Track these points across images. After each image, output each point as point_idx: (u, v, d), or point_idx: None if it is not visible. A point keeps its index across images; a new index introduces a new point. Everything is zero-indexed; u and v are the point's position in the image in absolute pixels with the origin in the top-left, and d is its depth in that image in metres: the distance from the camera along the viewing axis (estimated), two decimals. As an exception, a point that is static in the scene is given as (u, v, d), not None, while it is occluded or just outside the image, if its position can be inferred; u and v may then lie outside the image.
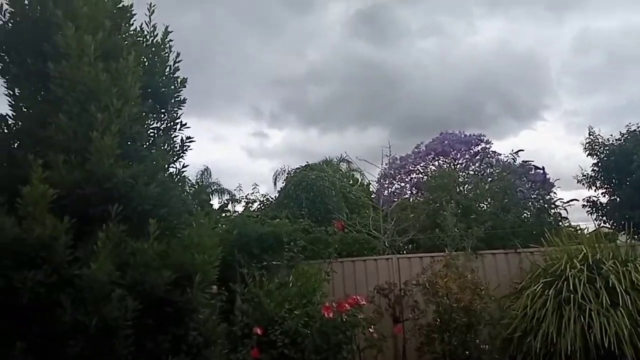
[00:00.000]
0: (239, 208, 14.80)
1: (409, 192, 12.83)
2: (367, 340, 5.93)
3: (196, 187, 18.08)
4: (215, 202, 17.03)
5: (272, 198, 13.95)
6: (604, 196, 13.05)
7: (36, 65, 4.08)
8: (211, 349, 3.75)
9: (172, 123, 5.01)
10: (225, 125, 27.44)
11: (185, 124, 5.01)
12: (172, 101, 5.05)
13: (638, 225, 10.16)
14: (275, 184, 16.92)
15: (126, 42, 4.59)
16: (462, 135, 12.71)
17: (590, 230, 8.66)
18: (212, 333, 3.80)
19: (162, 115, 5.06)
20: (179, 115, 5.04)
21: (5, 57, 4.27)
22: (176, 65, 5.02)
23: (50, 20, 4.03)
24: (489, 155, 12.02)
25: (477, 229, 7.88)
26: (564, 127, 25.14)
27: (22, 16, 4.24)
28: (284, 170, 16.41)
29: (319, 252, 7.80)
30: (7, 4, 4.14)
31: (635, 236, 8.91)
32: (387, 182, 12.37)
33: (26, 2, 4.19)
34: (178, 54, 5.02)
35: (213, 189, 18.47)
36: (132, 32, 4.79)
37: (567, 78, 23.24)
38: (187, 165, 5.01)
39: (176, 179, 4.90)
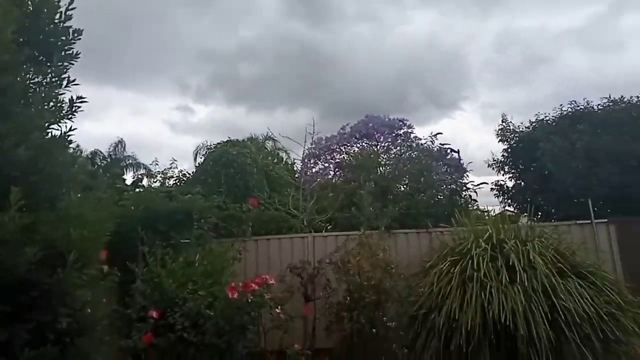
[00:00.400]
0: (156, 184, 13.97)
1: (332, 172, 12.82)
2: (273, 321, 5.74)
3: (108, 160, 16.80)
4: (129, 177, 16.00)
5: (190, 174, 13.29)
6: (511, 180, 13.99)
7: None
8: (88, 336, 3.29)
9: (57, 79, 4.37)
10: (148, 98, 25.80)
11: (74, 80, 4.31)
12: (62, 54, 4.39)
13: (538, 208, 10.94)
14: (195, 159, 16.19)
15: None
16: (387, 119, 12.85)
17: (495, 213, 9.13)
18: (90, 319, 3.35)
19: (46, 69, 4.40)
20: (66, 70, 4.41)
21: None
22: (69, 13, 4.35)
23: None
24: (410, 139, 12.27)
25: (392, 209, 7.96)
26: (480, 118, 26.75)
27: None
28: (206, 146, 15.72)
29: (232, 230, 7.46)
30: None
31: (535, 218, 9.57)
32: (311, 162, 12.23)
33: None
34: (72, 0, 4.38)
35: (127, 162, 17.33)
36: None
37: (487, 72, 24.57)
38: (74, 129, 4.40)
39: (61, 144, 4.30)
